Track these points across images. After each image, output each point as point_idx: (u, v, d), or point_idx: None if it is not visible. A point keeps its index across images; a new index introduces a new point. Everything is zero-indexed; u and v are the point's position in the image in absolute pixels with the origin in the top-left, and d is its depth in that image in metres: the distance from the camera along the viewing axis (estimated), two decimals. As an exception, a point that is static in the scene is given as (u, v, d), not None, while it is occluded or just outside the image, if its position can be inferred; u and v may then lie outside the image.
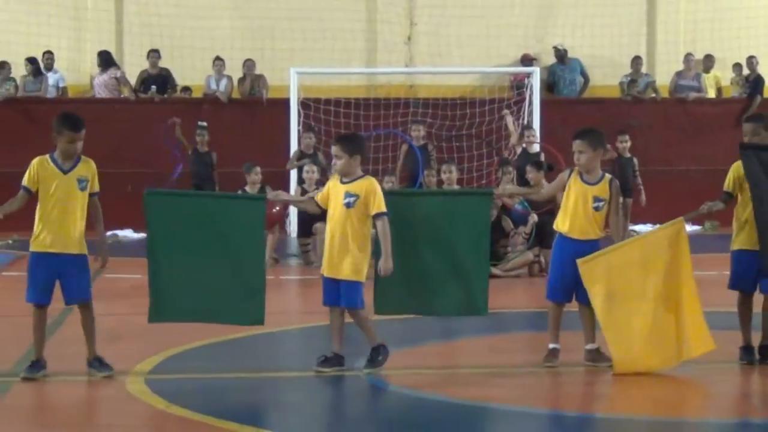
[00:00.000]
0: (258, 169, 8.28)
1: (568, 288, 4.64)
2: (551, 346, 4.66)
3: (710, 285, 5.58)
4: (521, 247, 8.59)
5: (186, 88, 13.05)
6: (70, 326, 5.19)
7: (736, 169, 4.64)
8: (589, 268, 4.64)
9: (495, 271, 7.93)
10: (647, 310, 4.71)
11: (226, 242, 4.81)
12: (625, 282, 4.70)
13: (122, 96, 12.64)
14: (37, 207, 4.44)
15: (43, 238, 4.44)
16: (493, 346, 5.48)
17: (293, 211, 9.96)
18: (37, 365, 4.37)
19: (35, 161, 4.51)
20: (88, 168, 4.56)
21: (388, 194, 4.83)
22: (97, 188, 4.59)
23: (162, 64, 12.78)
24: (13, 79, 12.54)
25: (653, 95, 13.05)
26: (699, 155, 12.11)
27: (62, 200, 4.50)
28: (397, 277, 4.78)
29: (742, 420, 3.97)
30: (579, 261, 4.55)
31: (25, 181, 4.44)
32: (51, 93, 12.56)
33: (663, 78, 13.50)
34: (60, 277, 4.46)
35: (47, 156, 4.55)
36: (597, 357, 4.61)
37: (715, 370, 4.53)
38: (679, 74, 13.19)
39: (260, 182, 8.56)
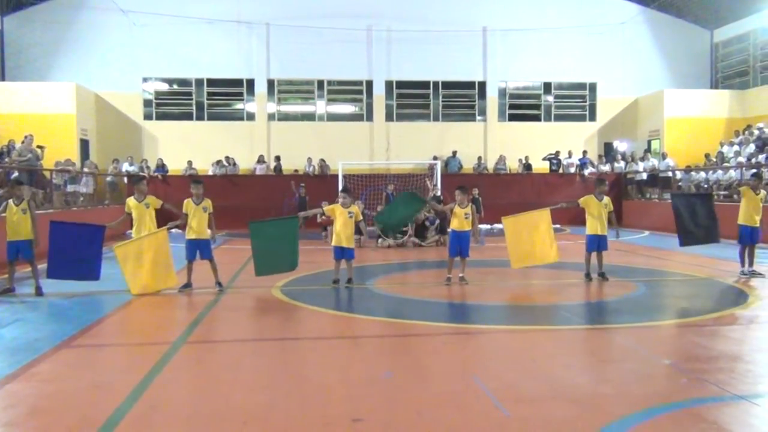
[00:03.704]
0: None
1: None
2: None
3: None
4: (432, 234, 15.92)
5: (296, 170, 23.49)
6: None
7: (584, 200, 9.84)
8: (506, 220, 9.94)
9: (422, 244, 15.56)
10: (533, 241, 9.75)
11: (282, 237, 9.19)
12: (522, 228, 9.82)
13: (267, 174, 23.44)
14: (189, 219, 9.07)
15: (191, 232, 9.11)
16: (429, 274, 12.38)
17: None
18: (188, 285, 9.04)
19: (186, 200, 9.18)
20: (208, 202, 9.25)
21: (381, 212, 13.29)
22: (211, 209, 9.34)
23: (286, 161, 24.10)
24: (223, 166, 23.28)
25: (486, 172, 24.46)
26: (502, 195, 21.27)
27: (196, 216, 9.07)
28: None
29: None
30: (503, 218, 9.95)
31: (183, 209, 9.10)
32: (232, 171, 23.42)
33: (491, 164, 25.15)
34: (200, 248, 9.13)
35: (192, 199, 9.13)
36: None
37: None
38: (497, 162, 24.95)
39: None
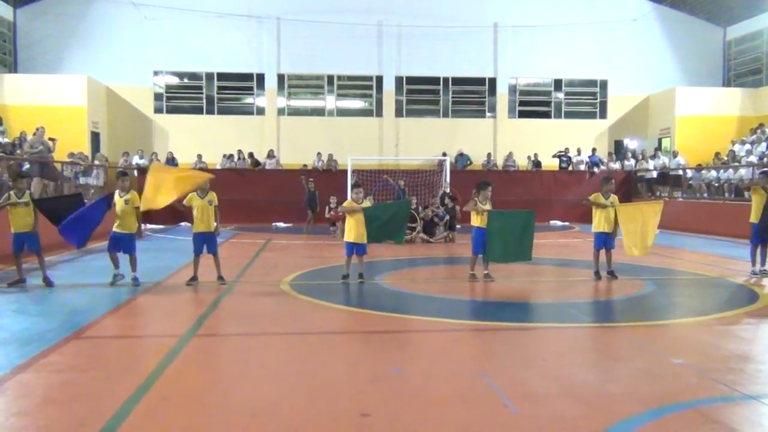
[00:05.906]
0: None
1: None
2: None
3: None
4: (440, 230, 16.03)
5: (305, 165, 23.65)
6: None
7: (594, 196, 9.90)
8: (620, 209, 9.68)
9: (431, 240, 15.69)
10: (639, 231, 9.47)
11: (394, 214, 9.76)
12: (632, 217, 9.60)
13: (276, 168, 23.53)
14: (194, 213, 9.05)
15: (197, 226, 9.08)
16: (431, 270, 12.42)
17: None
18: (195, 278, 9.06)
19: (190, 194, 8.97)
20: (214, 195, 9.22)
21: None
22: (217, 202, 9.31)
23: (295, 156, 24.37)
24: (231, 160, 23.84)
25: (496, 168, 24.41)
26: (511, 192, 21.23)
27: (201, 208, 9.04)
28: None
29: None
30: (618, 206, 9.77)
31: (186, 202, 8.98)
32: (242, 165, 23.72)
33: (500, 161, 25.24)
34: (206, 242, 9.11)
35: (196, 192, 9.02)
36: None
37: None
38: (507, 159, 24.99)
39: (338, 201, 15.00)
